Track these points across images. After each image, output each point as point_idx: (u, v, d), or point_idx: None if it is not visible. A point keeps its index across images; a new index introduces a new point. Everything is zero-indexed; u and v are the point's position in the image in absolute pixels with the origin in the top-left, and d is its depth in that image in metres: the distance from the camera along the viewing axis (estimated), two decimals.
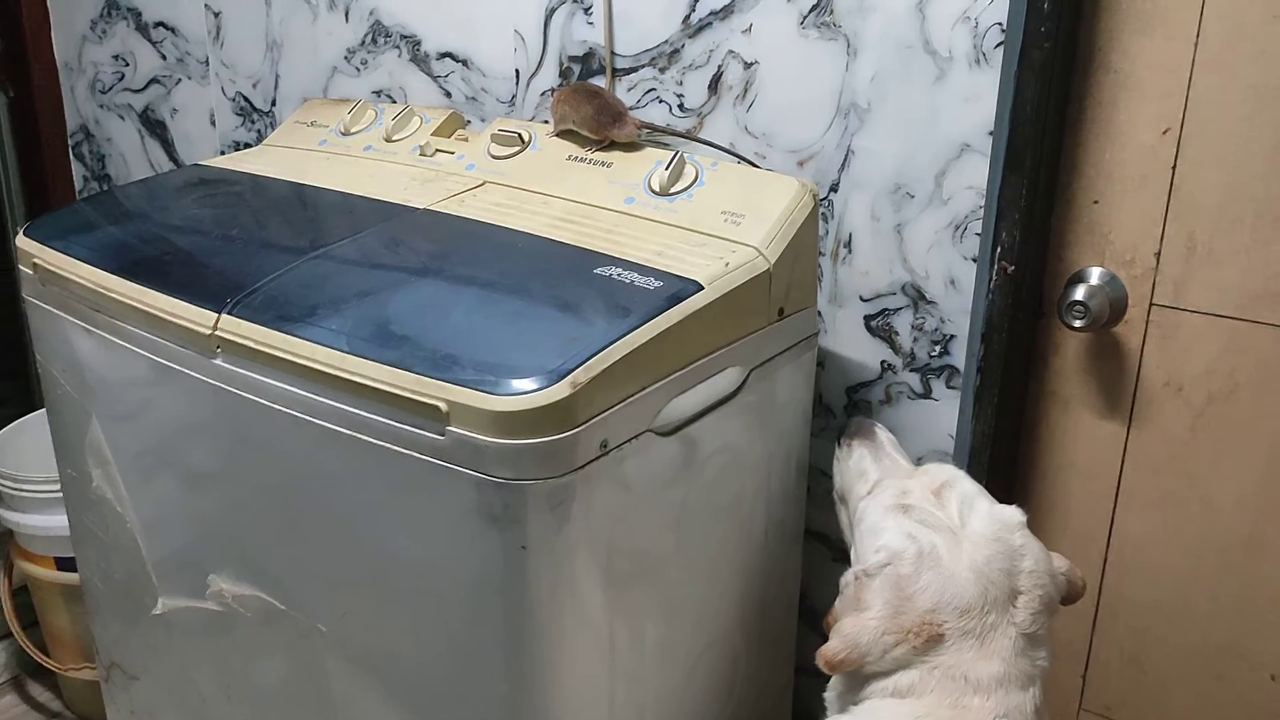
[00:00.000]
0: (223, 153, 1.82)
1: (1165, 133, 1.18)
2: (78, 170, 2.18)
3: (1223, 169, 1.16)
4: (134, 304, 1.16)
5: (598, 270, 1.09)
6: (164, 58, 1.92)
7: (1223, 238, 1.18)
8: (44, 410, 1.63)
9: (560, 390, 0.93)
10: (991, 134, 1.20)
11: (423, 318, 1.05)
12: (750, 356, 1.13)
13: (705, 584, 1.19)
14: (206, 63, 1.86)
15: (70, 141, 2.16)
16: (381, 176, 1.36)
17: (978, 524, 1.03)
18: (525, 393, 0.92)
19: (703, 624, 1.20)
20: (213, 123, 1.89)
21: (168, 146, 1.99)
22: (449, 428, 0.94)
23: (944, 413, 1.32)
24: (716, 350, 1.09)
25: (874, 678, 1.01)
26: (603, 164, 1.28)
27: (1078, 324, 1.23)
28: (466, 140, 1.41)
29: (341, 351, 1.01)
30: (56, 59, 2.11)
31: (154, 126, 1.99)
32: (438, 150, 1.40)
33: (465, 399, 0.93)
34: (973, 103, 1.20)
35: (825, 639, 1.03)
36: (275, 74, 1.77)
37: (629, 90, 1.42)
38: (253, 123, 1.84)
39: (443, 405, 0.94)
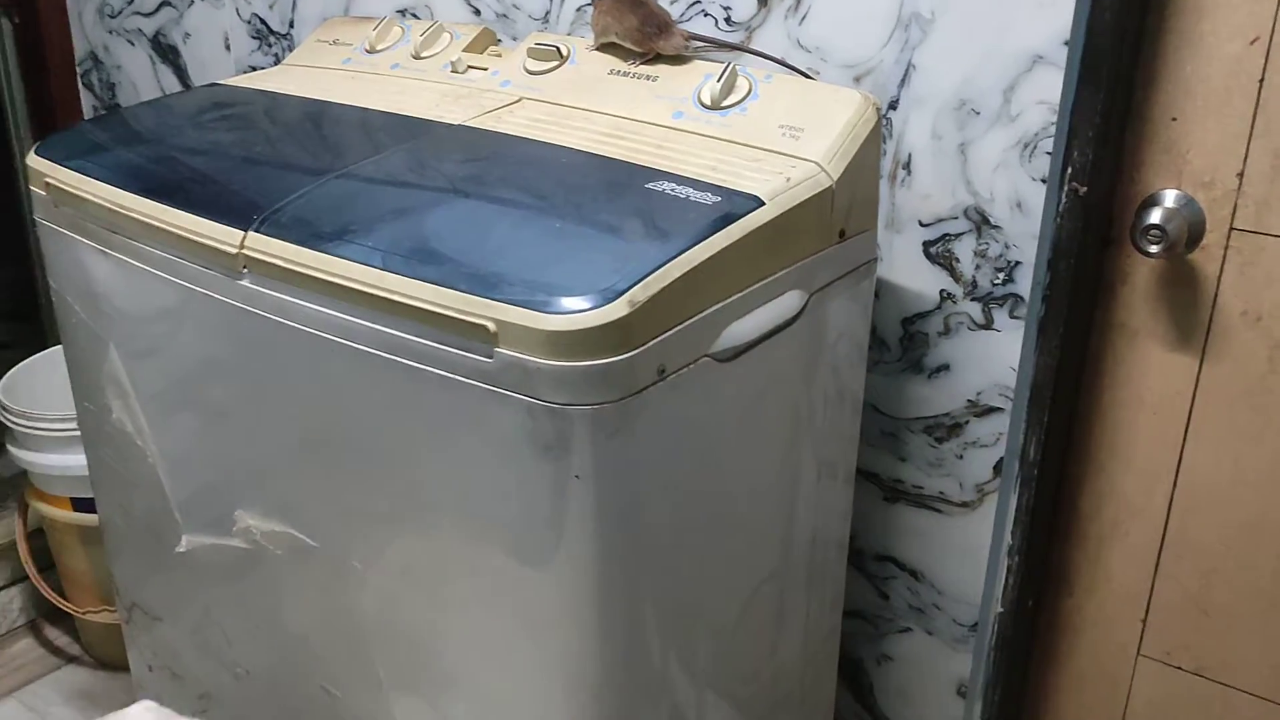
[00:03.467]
0: None
1: (1253, 42, 1.10)
2: (87, 100, 2.10)
3: None
4: (153, 223, 1.09)
5: (649, 185, 1.02)
6: None
7: None
8: (58, 347, 1.57)
9: (617, 309, 0.86)
10: (1067, 44, 1.12)
11: (465, 235, 0.98)
12: (810, 280, 1.07)
13: (758, 520, 1.13)
14: None
15: (79, 69, 2.08)
16: (411, 94, 1.29)
17: None
18: (580, 311, 0.86)
19: (754, 561, 1.14)
20: (227, 47, 1.81)
21: (180, 73, 1.91)
22: (497, 349, 0.88)
23: (1006, 344, 1.25)
24: (777, 272, 1.02)
25: None
26: (648, 78, 1.20)
27: (1154, 249, 1.16)
28: (500, 56, 1.33)
29: (378, 269, 0.94)
30: None
31: (166, 52, 1.91)
32: (470, 67, 1.32)
33: (515, 318, 0.86)
34: (1047, 9, 1.12)
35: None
36: None
37: (672, 3, 1.33)
38: (269, 46, 1.76)
39: (491, 325, 0.87)
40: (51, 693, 1.90)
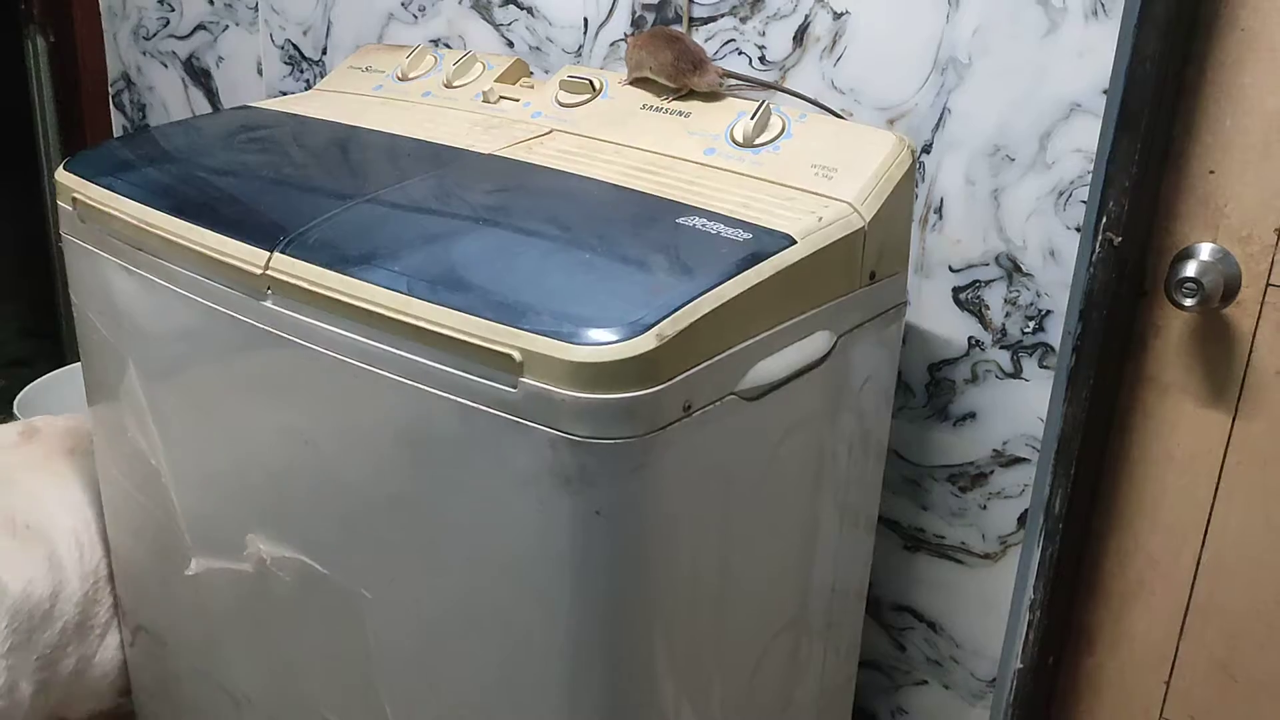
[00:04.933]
0: None
1: None
2: (117, 120, 2.11)
3: None
4: (179, 241, 1.08)
5: (680, 220, 1.01)
6: (211, 3, 1.85)
7: None
8: (76, 365, 1.56)
9: (645, 342, 0.84)
10: (1105, 92, 1.11)
11: (492, 263, 0.97)
12: (839, 322, 1.05)
13: (778, 565, 1.10)
14: (256, 8, 1.79)
15: (111, 90, 2.09)
16: (442, 122, 1.28)
17: None
18: (607, 343, 0.84)
19: (773, 607, 1.12)
20: (259, 72, 1.82)
21: (212, 96, 1.91)
22: (522, 379, 0.86)
23: (1034, 394, 1.23)
24: (806, 312, 1.00)
25: None
26: (680, 113, 1.19)
27: (1189, 303, 1.14)
28: (533, 88, 1.33)
29: (404, 294, 0.93)
30: (100, 3, 2.04)
31: (198, 75, 1.92)
32: (502, 97, 1.31)
33: (541, 348, 0.85)
34: (1086, 58, 1.11)
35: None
36: (327, 20, 1.69)
37: (706, 40, 1.33)
38: (301, 72, 1.76)
39: (516, 354, 0.86)
40: None
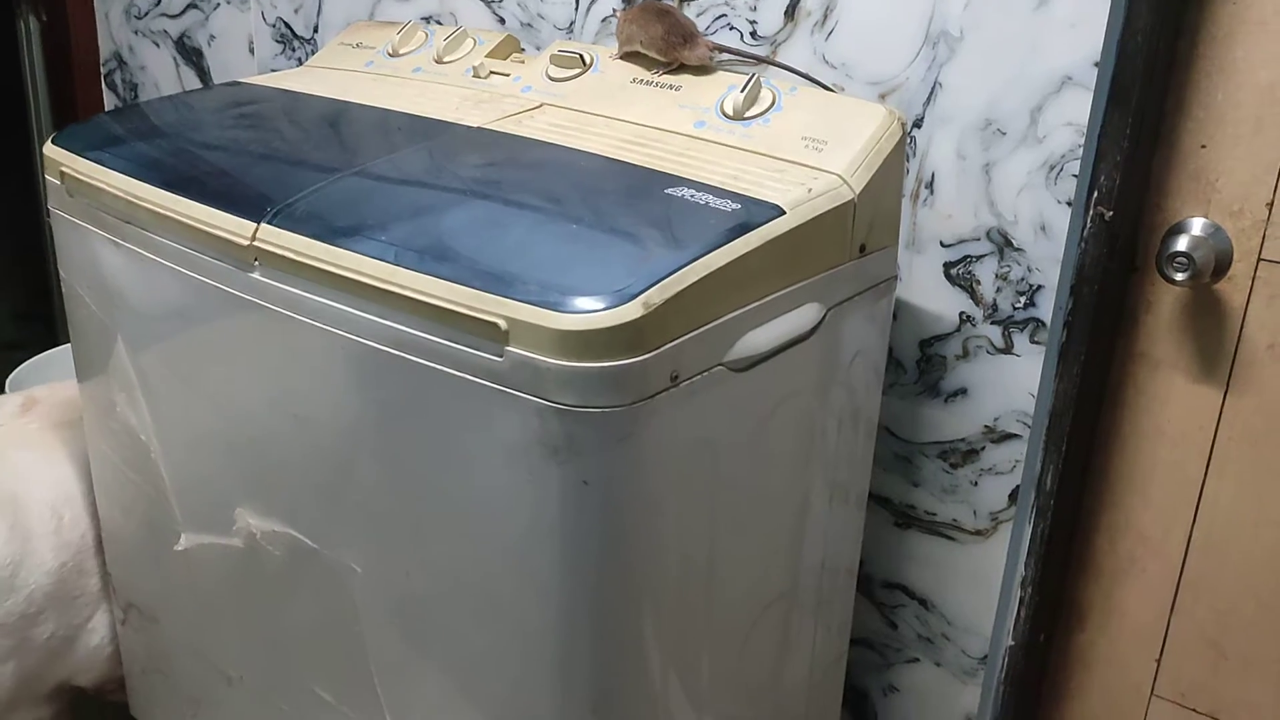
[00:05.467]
0: None
1: None
2: (109, 99, 2.10)
3: None
4: (166, 213, 1.08)
5: (669, 191, 1.00)
6: None
7: None
8: (67, 346, 1.56)
9: (631, 310, 0.84)
10: (1097, 65, 1.10)
11: (480, 233, 0.97)
12: (829, 294, 1.05)
13: (766, 539, 1.10)
14: None
15: (103, 69, 2.08)
16: (432, 97, 1.28)
17: None
18: (593, 311, 0.84)
19: (762, 581, 1.12)
20: (251, 50, 1.81)
21: (203, 75, 1.91)
22: (508, 348, 0.86)
23: (1026, 370, 1.23)
24: (795, 284, 1.00)
25: None
26: (671, 87, 1.19)
27: (1180, 277, 1.14)
28: (523, 63, 1.32)
29: (390, 264, 0.92)
30: None
31: (190, 54, 1.91)
32: (492, 72, 1.31)
33: (527, 316, 0.85)
34: (1078, 29, 1.11)
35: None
36: None
37: (697, 15, 1.33)
38: (293, 50, 1.75)
39: (502, 323, 0.85)
40: None
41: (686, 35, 1.19)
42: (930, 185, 1.23)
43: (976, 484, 1.30)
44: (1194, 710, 1.30)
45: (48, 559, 1.38)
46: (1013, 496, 1.29)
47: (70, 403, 1.49)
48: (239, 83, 1.41)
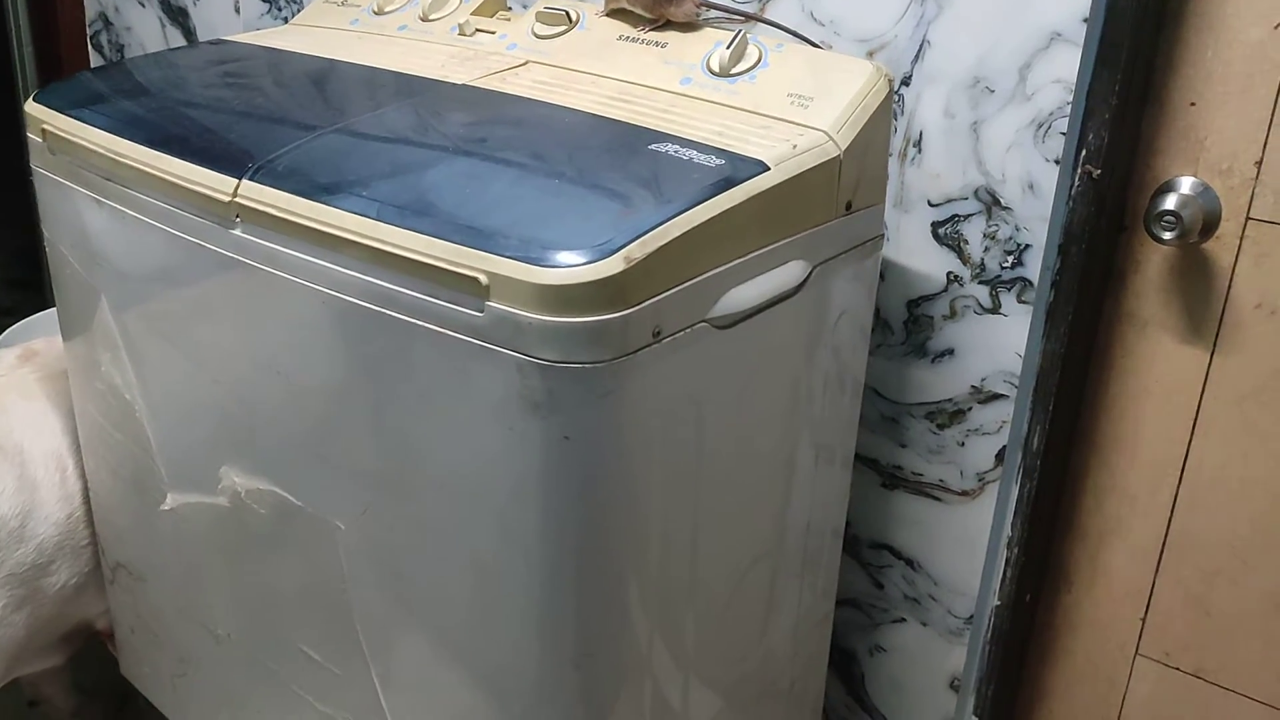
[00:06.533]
0: None
1: (1277, 27, 1.08)
2: (96, 61, 2.08)
3: None
4: (148, 170, 1.07)
5: (652, 147, 1.00)
6: None
7: None
8: (55, 309, 1.55)
9: (613, 265, 0.84)
10: (1086, 21, 1.09)
11: (462, 188, 0.96)
12: (814, 252, 1.04)
13: (751, 499, 1.10)
14: None
15: (89, 31, 2.06)
16: (416, 54, 1.26)
17: None
18: (574, 265, 0.83)
19: (746, 541, 1.12)
20: (237, 10, 1.80)
21: (189, 35, 1.89)
22: (488, 303, 0.85)
23: (1013, 330, 1.23)
24: (780, 240, 0.99)
25: None
26: (657, 44, 1.18)
27: (1167, 236, 1.13)
28: (509, 20, 1.31)
29: (371, 219, 0.92)
30: None
31: (175, 14, 1.89)
32: (478, 30, 1.30)
33: (507, 270, 0.84)
34: None
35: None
36: None
37: None
38: (279, 9, 1.74)
39: (482, 278, 0.85)
40: None
41: None
42: (918, 144, 1.22)
43: (963, 444, 1.30)
44: (1178, 669, 1.31)
45: (55, 509, 1.39)
46: (999, 457, 1.29)
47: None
48: (223, 41, 1.40)
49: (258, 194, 0.99)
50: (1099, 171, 1.13)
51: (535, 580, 0.95)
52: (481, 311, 0.86)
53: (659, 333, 0.89)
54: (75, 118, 1.17)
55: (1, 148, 2.44)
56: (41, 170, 1.22)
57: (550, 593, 0.95)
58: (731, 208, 0.92)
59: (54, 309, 1.82)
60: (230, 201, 1.00)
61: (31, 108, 1.21)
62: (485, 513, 0.94)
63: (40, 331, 1.83)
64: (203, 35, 1.87)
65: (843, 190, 1.05)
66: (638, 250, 0.85)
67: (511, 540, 0.94)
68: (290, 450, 1.08)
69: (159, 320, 1.16)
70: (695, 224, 0.89)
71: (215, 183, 1.02)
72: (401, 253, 0.89)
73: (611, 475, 0.92)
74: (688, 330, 0.92)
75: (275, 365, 1.05)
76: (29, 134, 1.22)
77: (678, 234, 0.88)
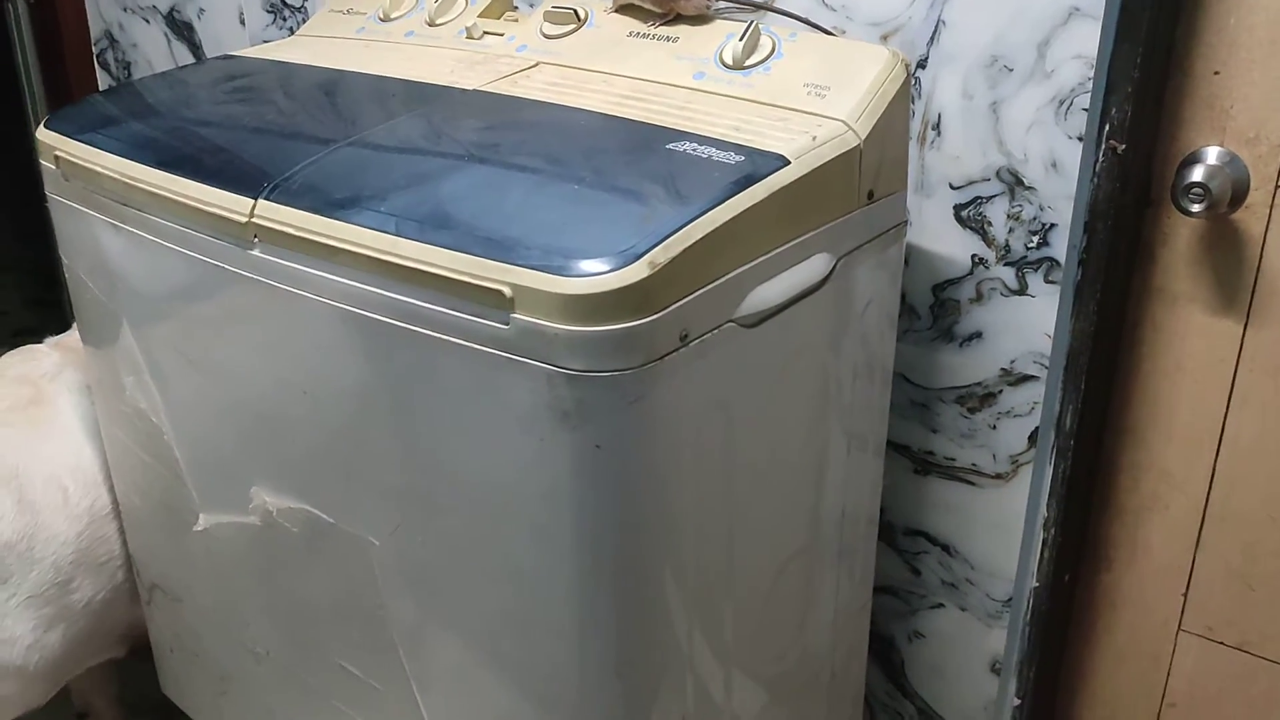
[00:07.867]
0: None
1: None
2: (103, 80, 2.08)
3: None
4: (163, 194, 1.07)
5: (670, 146, 0.98)
6: None
7: None
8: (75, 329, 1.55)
9: (637, 271, 0.83)
10: None
11: (480, 199, 0.95)
12: (838, 244, 1.03)
13: (785, 494, 1.09)
14: None
15: (95, 49, 2.06)
16: (425, 61, 1.25)
17: None
18: (598, 274, 0.82)
19: (782, 536, 1.11)
20: (242, 22, 1.79)
21: (195, 50, 1.88)
22: (513, 315, 0.85)
23: (1041, 310, 1.21)
24: (803, 234, 0.98)
25: None
26: (668, 39, 1.16)
27: (1196, 209, 1.11)
28: (517, 21, 1.30)
29: (391, 235, 0.91)
30: None
31: (180, 29, 1.89)
32: (486, 33, 1.28)
33: (531, 282, 0.83)
34: None
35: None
36: None
37: None
38: (284, 20, 1.73)
39: (506, 290, 0.84)
40: None
41: None
42: (937, 127, 1.20)
43: (995, 428, 1.29)
44: (1222, 643, 1.30)
45: (62, 528, 1.39)
46: (1032, 438, 1.27)
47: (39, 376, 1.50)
48: (230, 56, 1.39)
49: (275, 213, 0.98)
50: (1123, 146, 1.11)
51: (572, 590, 0.94)
52: (506, 324, 0.85)
53: (686, 336, 0.88)
54: (87, 143, 1.16)
55: (12, 167, 2.45)
56: (57, 197, 1.22)
57: (588, 602, 0.94)
58: (753, 205, 0.91)
59: (72, 330, 1.82)
60: (247, 222, 1.00)
61: (43, 134, 1.21)
62: (519, 525, 0.94)
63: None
64: (208, 49, 1.86)
65: (864, 179, 1.04)
66: (661, 255, 0.84)
67: (546, 551, 0.93)
68: (320, 468, 1.07)
69: (182, 343, 1.16)
70: (718, 224, 0.88)
71: (231, 204, 1.01)
72: (423, 267, 0.88)
73: (644, 482, 0.91)
74: (715, 331, 0.91)
75: (300, 384, 1.04)
76: (42, 161, 1.22)
77: (700, 236, 0.87)
